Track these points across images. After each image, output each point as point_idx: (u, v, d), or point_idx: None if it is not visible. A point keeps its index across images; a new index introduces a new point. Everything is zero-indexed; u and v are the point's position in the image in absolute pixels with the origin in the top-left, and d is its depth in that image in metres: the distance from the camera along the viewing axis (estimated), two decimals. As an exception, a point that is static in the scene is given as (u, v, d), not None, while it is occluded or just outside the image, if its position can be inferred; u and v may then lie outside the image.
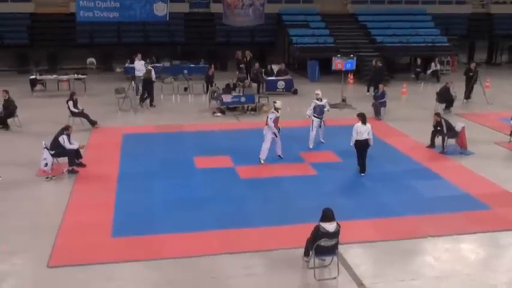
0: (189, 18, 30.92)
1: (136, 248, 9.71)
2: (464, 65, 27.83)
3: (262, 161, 14.16)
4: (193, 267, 9.10)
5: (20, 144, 16.10)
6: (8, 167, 13.66)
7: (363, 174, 13.55)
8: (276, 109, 14.24)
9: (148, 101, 21.19)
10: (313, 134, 15.54)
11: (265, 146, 14.15)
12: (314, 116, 15.58)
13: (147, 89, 21.27)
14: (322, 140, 16.00)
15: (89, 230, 10.38)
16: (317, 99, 15.62)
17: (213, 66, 24.64)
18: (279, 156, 14.57)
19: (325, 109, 15.82)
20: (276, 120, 14.11)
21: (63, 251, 9.58)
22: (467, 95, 22.49)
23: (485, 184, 13.05)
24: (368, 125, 13.33)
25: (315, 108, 15.57)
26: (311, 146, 15.54)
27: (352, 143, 13.41)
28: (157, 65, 26.97)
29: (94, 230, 10.41)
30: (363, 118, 13.35)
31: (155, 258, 9.36)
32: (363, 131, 13.24)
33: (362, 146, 13.38)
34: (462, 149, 15.46)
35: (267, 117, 14.15)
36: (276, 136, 14.23)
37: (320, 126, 15.76)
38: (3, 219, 10.87)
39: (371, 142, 13.37)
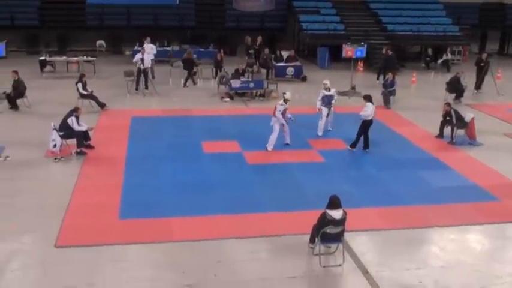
0: (199, 2, 30.78)
1: (143, 231, 9.77)
2: (475, 55, 27.55)
3: (269, 149, 14.12)
4: (200, 250, 9.15)
5: (29, 125, 16.17)
6: (16, 147, 13.74)
7: (368, 150, 14.15)
8: (285, 100, 14.13)
9: (191, 80, 22.24)
10: (322, 122, 15.52)
11: (273, 136, 14.11)
12: (322, 105, 15.51)
13: (188, 69, 22.16)
14: (330, 128, 15.96)
15: (97, 212, 10.45)
16: (325, 89, 15.52)
17: (222, 51, 24.55)
18: (287, 143, 14.56)
19: (334, 100, 15.70)
20: (284, 112, 14.05)
21: (70, 232, 9.65)
22: (478, 86, 22.33)
23: (493, 175, 13.00)
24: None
25: (323, 98, 15.49)
26: (320, 134, 15.52)
27: (363, 117, 13.99)
28: (167, 48, 26.97)
29: (101, 211, 10.47)
30: (370, 99, 14.05)
31: (162, 241, 9.42)
32: (372, 109, 13.96)
33: (369, 125, 14.11)
34: (471, 140, 15.39)
35: (275, 108, 14.08)
36: (284, 128, 14.21)
37: (328, 115, 15.70)
38: (12, 199, 10.95)
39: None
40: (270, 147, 14.14)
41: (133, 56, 24.42)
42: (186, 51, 23.89)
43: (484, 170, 13.36)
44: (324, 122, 15.56)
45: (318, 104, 15.60)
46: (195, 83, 22.68)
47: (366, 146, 14.29)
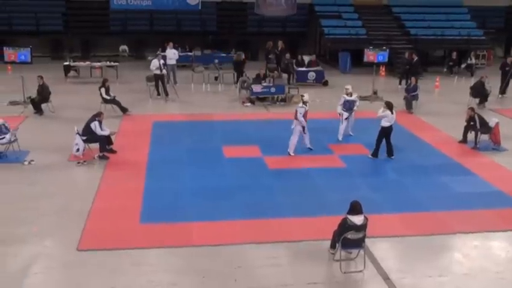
0: (221, 8, 30.92)
1: (163, 235, 9.81)
2: (500, 59, 27.21)
3: (291, 154, 14.10)
4: (219, 255, 9.16)
5: (53, 129, 16.39)
6: (40, 151, 13.93)
7: (393, 157, 13.97)
8: (304, 103, 14.09)
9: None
10: (342, 127, 15.45)
11: (294, 139, 14.08)
12: (343, 110, 15.42)
13: (238, 71, 22.81)
14: (351, 133, 15.86)
15: (118, 216, 10.53)
16: (347, 94, 15.42)
17: (243, 56, 24.62)
18: (309, 148, 14.51)
19: (356, 105, 15.58)
20: (305, 114, 14.01)
21: (92, 235, 9.74)
22: (503, 90, 22.01)
23: (518, 181, 12.79)
24: (395, 112, 13.95)
25: (344, 103, 15.39)
26: (340, 138, 15.45)
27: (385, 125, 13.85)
28: (189, 53, 27.14)
29: (123, 215, 10.56)
30: (390, 106, 13.82)
31: (182, 246, 9.45)
32: (390, 117, 13.78)
33: (389, 132, 13.94)
34: (495, 145, 15.16)
35: (296, 111, 14.07)
36: (304, 131, 14.15)
37: (348, 119, 15.60)
38: (35, 202, 11.10)
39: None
40: (291, 151, 14.11)
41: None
42: (236, 53, 24.49)
43: (509, 176, 13.15)
44: (344, 126, 15.48)
45: (339, 108, 15.53)
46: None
47: (390, 153, 14.10)
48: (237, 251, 9.30)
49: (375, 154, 14.06)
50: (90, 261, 8.90)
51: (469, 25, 29.57)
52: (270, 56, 25.68)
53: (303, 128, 14.11)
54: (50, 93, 18.21)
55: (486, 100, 20.08)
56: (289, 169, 13.40)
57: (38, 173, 12.71)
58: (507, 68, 21.95)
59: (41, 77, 18.20)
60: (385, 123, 13.85)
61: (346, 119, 15.45)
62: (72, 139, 13.74)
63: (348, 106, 15.40)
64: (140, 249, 9.30)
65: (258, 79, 21.04)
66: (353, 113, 15.65)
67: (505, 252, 9.60)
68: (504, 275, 8.81)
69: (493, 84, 20.90)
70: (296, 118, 13.98)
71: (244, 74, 22.71)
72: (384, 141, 14.02)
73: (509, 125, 17.27)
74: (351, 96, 15.45)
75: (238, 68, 23.16)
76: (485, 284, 8.56)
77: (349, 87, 15.64)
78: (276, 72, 24.09)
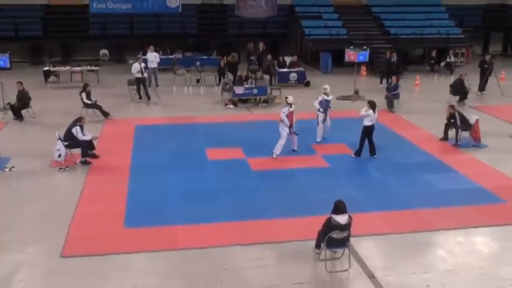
0: (202, 10, 30.93)
1: (148, 239, 9.77)
2: (479, 57, 27.55)
3: (275, 156, 14.08)
4: (205, 258, 9.14)
5: (34, 135, 16.23)
6: (21, 158, 13.79)
7: (375, 156, 14.05)
8: (289, 104, 14.07)
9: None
10: (320, 128, 15.38)
11: (281, 142, 14.02)
12: (319, 111, 15.34)
13: (232, 71, 22.78)
14: (324, 136, 15.63)
15: (102, 221, 10.45)
16: (325, 94, 15.39)
17: (225, 58, 24.60)
18: (294, 150, 14.53)
19: (330, 106, 15.52)
20: (290, 115, 13.97)
21: (76, 241, 9.66)
22: (482, 87, 22.28)
23: (499, 177, 12.94)
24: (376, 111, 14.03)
25: (321, 102, 15.32)
26: (318, 140, 15.41)
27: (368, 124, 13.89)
28: (170, 56, 27.06)
29: (107, 220, 10.48)
30: (373, 105, 13.85)
31: (167, 249, 9.41)
32: (373, 117, 13.83)
33: (371, 131, 14.00)
34: (476, 142, 15.34)
35: (281, 112, 14.06)
36: (291, 133, 14.10)
37: (324, 121, 15.45)
38: (17, 209, 10.97)
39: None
40: (277, 152, 14.06)
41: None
42: (231, 54, 24.32)
43: (490, 172, 13.31)
44: (321, 127, 15.36)
45: (316, 104, 15.36)
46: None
47: (373, 152, 14.20)
48: (223, 253, 9.28)
49: (358, 153, 14.12)
50: (74, 268, 8.82)
51: (447, 24, 29.91)
52: (251, 58, 25.71)
53: (289, 128, 13.98)
54: (30, 98, 18.03)
55: (466, 97, 20.30)
56: (273, 170, 13.42)
57: (19, 180, 12.57)
58: (485, 66, 22.22)
59: (21, 83, 18.01)
60: (367, 122, 13.93)
61: (323, 121, 15.29)
62: (54, 145, 13.62)
63: (325, 105, 15.33)
64: (125, 254, 9.24)
65: (240, 81, 21.05)
66: (329, 115, 15.52)
67: (487, 248, 9.71)
68: (487, 270, 8.91)
69: (472, 81, 21.12)
70: (281, 120, 13.96)
71: (226, 76, 22.71)
72: (366, 140, 14.10)
73: (489, 121, 17.50)
74: (328, 96, 15.41)
75: (233, 69, 23.16)
76: (469, 280, 8.65)
77: (327, 87, 15.55)
78: (258, 73, 24.11)
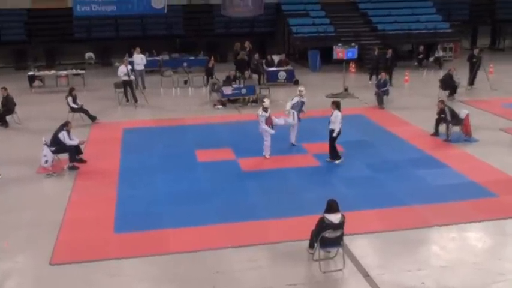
0: (187, 11, 30.81)
1: (139, 244, 9.70)
2: (467, 51, 27.66)
3: (267, 157, 14.01)
4: (198, 261, 9.09)
5: (20, 141, 16.09)
6: (8, 165, 13.64)
7: (342, 159, 13.67)
8: (264, 109, 13.78)
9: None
10: (294, 130, 14.97)
11: (267, 143, 13.95)
12: (293, 112, 14.79)
13: (240, 69, 23.27)
14: (295, 142, 15.05)
15: (91, 226, 10.37)
16: (301, 96, 15.00)
17: (212, 58, 24.53)
18: (292, 144, 14.61)
19: (303, 109, 15.21)
20: (268, 120, 13.76)
21: (65, 248, 9.57)
22: (471, 81, 22.37)
23: (490, 171, 12.99)
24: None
25: (297, 103, 14.86)
26: (293, 141, 15.02)
27: (336, 132, 13.35)
28: (157, 58, 26.94)
29: (96, 226, 10.40)
30: (338, 105, 13.49)
31: (159, 254, 9.34)
32: (340, 118, 13.40)
33: (339, 134, 13.53)
34: (467, 137, 15.39)
35: (259, 119, 13.81)
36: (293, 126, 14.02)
37: (297, 122, 15.01)
38: (5, 217, 10.86)
39: None
40: (267, 154, 14.04)
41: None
42: (240, 53, 24.73)
43: (481, 166, 13.36)
44: (296, 130, 14.98)
45: (288, 105, 14.92)
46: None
47: (338, 156, 13.75)
48: (215, 256, 9.24)
49: (337, 157, 13.66)
50: (64, 275, 8.74)
51: (434, 18, 30.01)
52: (238, 58, 25.63)
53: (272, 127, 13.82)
54: (15, 104, 17.86)
55: (455, 92, 20.39)
56: (264, 170, 13.39)
57: (6, 187, 12.43)
58: (474, 60, 22.32)
59: (5, 89, 17.83)
60: (334, 125, 13.34)
61: (295, 123, 14.90)
62: (40, 150, 13.50)
63: (299, 107, 14.97)
64: (116, 260, 9.17)
65: (228, 81, 20.99)
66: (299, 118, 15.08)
67: (481, 243, 9.74)
68: (482, 265, 8.93)
69: (461, 76, 21.22)
70: (261, 127, 13.77)
71: (214, 77, 22.64)
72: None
73: (479, 115, 17.57)
74: (303, 98, 15.06)
75: (241, 68, 23.51)
76: (463, 275, 8.66)
77: (302, 88, 15.28)
78: (246, 73, 24.07)
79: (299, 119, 15.01)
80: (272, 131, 13.89)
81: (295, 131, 14.94)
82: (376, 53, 24.36)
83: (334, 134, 13.38)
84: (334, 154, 13.71)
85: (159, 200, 11.63)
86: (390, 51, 23.86)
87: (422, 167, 13.30)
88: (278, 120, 14.27)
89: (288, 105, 15.04)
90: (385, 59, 23.54)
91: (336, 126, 13.34)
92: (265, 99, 14.28)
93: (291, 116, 14.76)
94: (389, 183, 12.42)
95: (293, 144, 14.84)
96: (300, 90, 15.26)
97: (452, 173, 12.95)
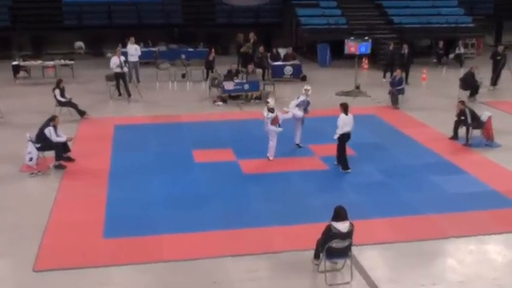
0: (187, -3, 30.93)
1: (130, 250, 9.75)
2: (490, 48, 27.70)
3: (271, 158, 14.06)
4: (193, 270, 9.13)
5: (2, 137, 16.15)
6: (-11, 162, 13.74)
7: (349, 171, 13.46)
8: (270, 109, 13.85)
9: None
10: (298, 130, 15.08)
11: (272, 143, 14.01)
12: (299, 111, 14.84)
13: (244, 63, 23.65)
14: (300, 144, 15.16)
15: (79, 231, 10.42)
16: (307, 95, 14.94)
17: (213, 50, 24.61)
18: (297, 145, 14.78)
19: (308, 109, 15.13)
20: (275, 120, 13.83)
21: (50, 254, 9.62)
22: (494, 81, 22.42)
23: (513, 179, 13.04)
24: (351, 115, 13.28)
25: (302, 101, 14.85)
26: (297, 142, 15.09)
27: (336, 136, 13.29)
28: (152, 49, 27.02)
29: (84, 230, 10.45)
30: (345, 108, 13.28)
31: (151, 261, 9.38)
32: (348, 122, 13.24)
33: (348, 139, 13.42)
34: (488, 141, 15.43)
35: (264, 119, 13.88)
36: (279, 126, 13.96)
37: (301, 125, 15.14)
38: (-15, 219, 10.93)
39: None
40: (271, 156, 14.10)
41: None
42: (245, 45, 25.01)
43: (503, 174, 13.39)
44: (300, 130, 15.06)
45: (292, 104, 14.96)
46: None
47: (346, 166, 13.57)
48: (213, 265, 9.28)
49: (346, 167, 13.53)
50: (48, 283, 8.79)
51: (456, 12, 30.06)
52: (241, 51, 25.70)
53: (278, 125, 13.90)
54: (-3, 96, 17.99)
55: (477, 92, 20.43)
56: (267, 173, 13.44)
57: (-14, 186, 12.53)
58: (498, 58, 22.36)
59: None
60: (344, 128, 13.28)
61: (301, 123, 15.02)
62: (24, 147, 13.55)
63: (305, 106, 14.97)
64: (104, 267, 9.22)
65: (229, 75, 21.05)
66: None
67: (501, 257, 9.77)
68: (501, 281, 8.95)
69: (483, 75, 21.27)
70: (268, 128, 13.85)
71: (214, 70, 22.71)
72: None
73: (503, 118, 17.60)
74: (308, 97, 15.01)
75: (246, 61, 23.51)
76: (481, 292, 8.71)
77: (309, 88, 15.23)
78: (249, 67, 24.11)
79: (303, 119, 15.07)
80: (280, 129, 13.96)
81: (300, 130, 15.00)
82: (391, 48, 24.40)
83: (335, 137, 13.33)
84: (343, 163, 13.56)
85: (152, 203, 11.68)
86: (405, 46, 23.90)
87: (439, 173, 13.34)
88: (286, 116, 14.31)
89: (292, 104, 15.09)
90: (401, 54, 23.57)
91: (338, 130, 13.25)
92: (269, 99, 14.32)
93: (297, 110, 14.77)
94: (403, 189, 12.46)
95: (298, 145, 14.92)
96: (306, 89, 15.23)
97: (471, 180, 12.99)
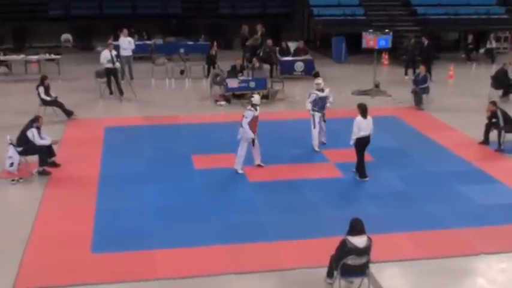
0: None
1: (121, 266, 9.76)
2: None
3: (240, 171, 13.82)
4: (191, 290, 9.16)
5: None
6: (-35, 168, 13.79)
7: (367, 179, 13.46)
8: (254, 106, 13.83)
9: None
10: (316, 131, 15.20)
11: (240, 153, 13.77)
12: (314, 110, 15.12)
13: (251, 58, 23.82)
14: (324, 141, 15.56)
15: (64, 245, 10.43)
16: (318, 90, 15.14)
17: (215, 43, 24.67)
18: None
19: (328, 102, 15.36)
20: (253, 121, 13.69)
21: (32, 271, 9.63)
22: (530, 79, 22.36)
23: (551, 189, 13.01)
24: (369, 118, 13.26)
25: (315, 101, 15.09)
26: (317, 149, 15.19)
27: (352, 142, 13.28)
28: (148, 42, 27.09)
29: (70, 244, 10.46)
30: (363, 110, 13.24)
31: (144, 279, 9.39)
32: (364, 126, 13.18)
33: (366, 144, 13.39)
34: (523, 146, 15.42)
35: (243, 116, 13.75)
36: (253, 143, 13.83)
37: (322, 122, 15.33)
38: (-40, 231, 10.98)
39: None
40: (238, 169, 13.81)
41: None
42: (252, 38, 25.32)
43: (540, 183, 13.37)
44: (318, 130, 15.17)
45: (308, 105, 15.15)
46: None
47: (363, 174, 13.60)
48: (213, 284, 9.29)
49: (363, 175, 13.54)
50: (30, 302, 8.82)
51: (487, 2, 30.01)
52: (247, 44, 25.75)
53: (252, 140, 13.75)
54: (-25, 94, 18.08)
55: (510, 92, 20.38)
56: (275, 181, 13.44)
57: (-38, 195, 12.59)
58: (535, 53, 22.32)
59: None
60: (360, 133, 13.24)
61: (320, 122, 15.15)
62: (5, 151, 13.61)
63: (321, 104, 15.13)
64: (93, 285, 9.23)
65: (233, 72, 21.07)
66: (325, 114, 15.40)
67: (537, 276, 9.75)
68: (538, 303, 8.95)
69: (518, 72, 21.24)
70: (241, 125, 13.66)
71: (216, 66, 22.74)
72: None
73: (539, 121, 17.54)
74: (323, 92, 15.22)
75: (253, 56, 23.77)
76: (515, 315, 8.69)
77: (320, 81, 15.32)
78: (255, 62, 24.16)
79: (324, 119, 15.25)
80: (253, 136, 13.67)
81: (319, 135, 15.06)
82: (412, 42, 24.37)
83: (351, 142, 13.35)
84: (360, 170, 13.57)
85: (146, 214, 11.69)
86: (424, 39, 23.86)
87: (467, 182, 13.32)
88: (241, 130, 13.83)
89: (308, 105, 15.18)
90: (422, 49, 23.56)
91: (353, 135, 13.22)
92: (254, 95, 14.27)
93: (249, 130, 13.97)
94: (427, 200, 12.44)
95: (316, 151, 14.86)
96: (317, 84, 15.24)
97: (503, 190, 12.97)
